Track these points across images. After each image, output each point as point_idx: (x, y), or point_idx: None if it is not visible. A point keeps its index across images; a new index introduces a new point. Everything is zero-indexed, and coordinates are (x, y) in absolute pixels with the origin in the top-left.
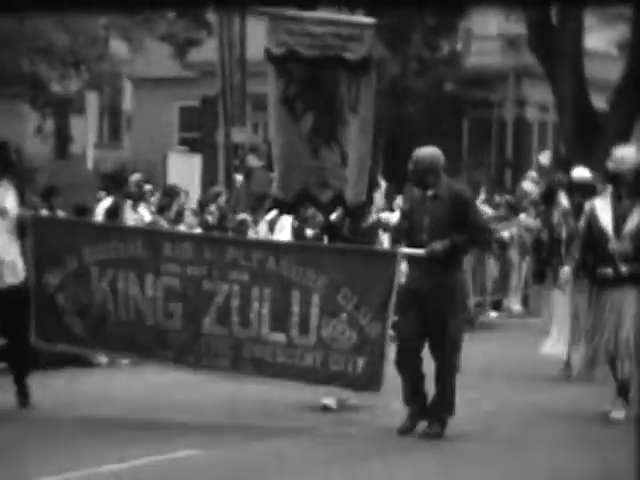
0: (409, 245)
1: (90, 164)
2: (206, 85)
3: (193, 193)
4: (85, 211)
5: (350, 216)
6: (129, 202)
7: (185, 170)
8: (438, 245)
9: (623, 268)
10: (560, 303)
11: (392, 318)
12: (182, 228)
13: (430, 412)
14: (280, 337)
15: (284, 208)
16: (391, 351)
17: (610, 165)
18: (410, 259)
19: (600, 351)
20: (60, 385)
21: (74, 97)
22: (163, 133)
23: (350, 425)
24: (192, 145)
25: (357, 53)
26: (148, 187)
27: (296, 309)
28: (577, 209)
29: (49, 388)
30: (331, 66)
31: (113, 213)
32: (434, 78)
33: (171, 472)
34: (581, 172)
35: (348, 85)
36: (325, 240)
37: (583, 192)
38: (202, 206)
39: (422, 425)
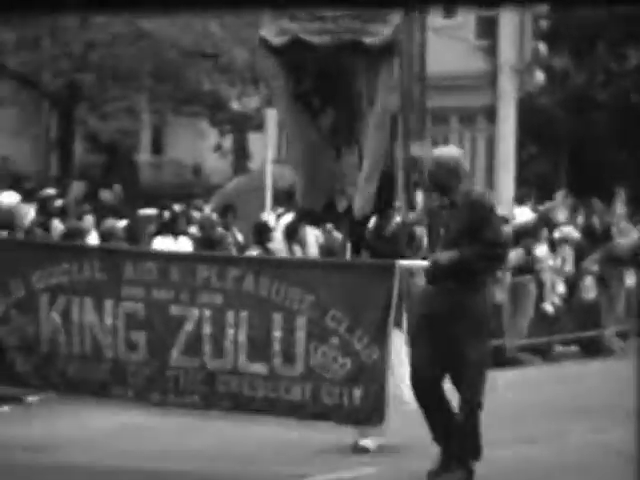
0: (426, 259)
1: (269, 180)
2: None
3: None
4: (265, 229)
5: (354, 233)
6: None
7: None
8: (443, 256)
9: None
10: None
11: (395, 339)
12: None
13: (452, 455)
14: (260, 368)
15: (312, 219)
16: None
17: None
18: (425, 278)
19: None
20: None
21: (253, 114)
22: None
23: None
24: None
25: (380, 36)
26: None
27: (278, 334)
28: None
29: None
30: (347, 54)
31: (293, 230)
32: (620, 89)
33: None
34: None
35: (367, 75)
36: (348, 250)
37: None
38: None
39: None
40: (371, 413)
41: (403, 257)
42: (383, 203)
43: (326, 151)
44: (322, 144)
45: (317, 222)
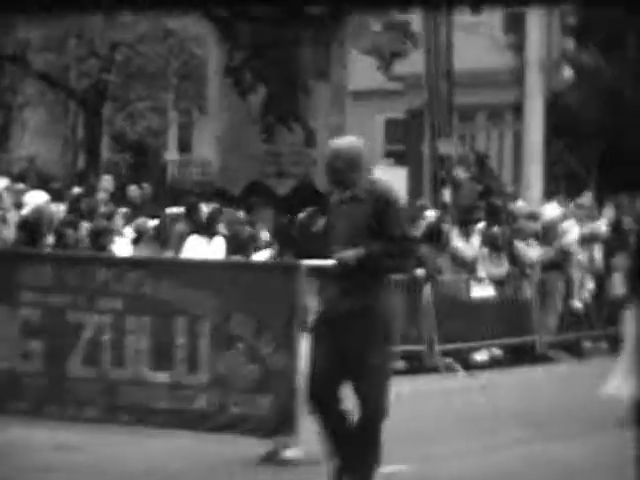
0: (326, 257)
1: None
2: (412, 97)
3: None
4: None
5: (280, 225)
6: None
7: (391, 183)
8: (349, 254)
9: None
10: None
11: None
12: None
13: (349, 465)
14: (164, 377)
15: (229, 202)
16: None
17: None
18: (324, 277)
19: None
20: None
21: None
22: (368, 146)
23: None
24: (397, 157)
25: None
26: None
27: (182, 341)
28: None
29: None
30: (292, 24)
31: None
32: None
33: None
34: None
35: (314, 46)
36: (276, 246)
37: None
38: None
39: None
40: (280, 423)
41: (327, 256)
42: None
43: (254, 133)
44: (250, 125)
45: (233, 205)
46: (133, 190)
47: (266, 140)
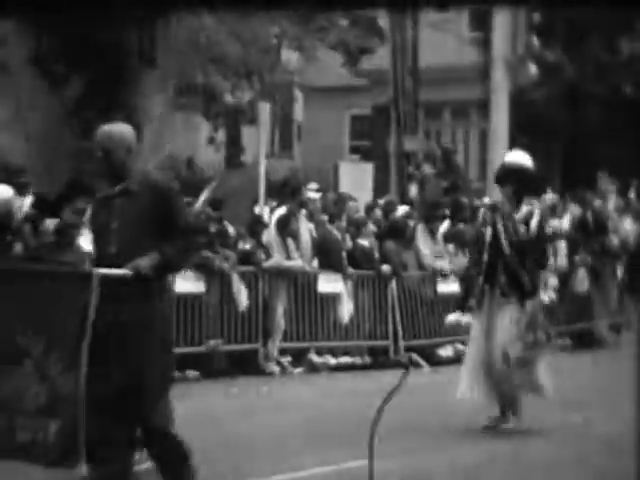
0: (99, 263)
1: (262, 173)
2: (378, 93)
3: (365, 202)
4: (258, 223)
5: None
6: (303, 211)
7: (357, 179)
8: (145, 262)
9: None
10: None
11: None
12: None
13: None
14: None
15: (46, 207)
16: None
17: None
18: (102, 286)
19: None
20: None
21: (246, 107)
22: (334, 142)
23: None
24: (363, 153)
25: None
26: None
27: None
28: None
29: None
30: (116, 9)
31: (285, 223)
32: (613, 82)
33: None
34: None
35: (139, 32)
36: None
37: None
38: (368, 214)
39: None
40: (65, 452)
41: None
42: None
43: (69, 129)
44: (65, 118)
45: (52, 212)
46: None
47: (82, 136)
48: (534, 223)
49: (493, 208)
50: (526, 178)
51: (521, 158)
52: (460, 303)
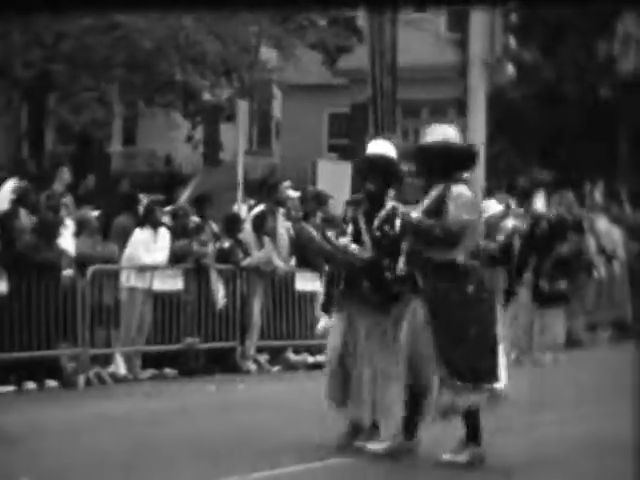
0: None
1: (240, 171)
2: (356, 92)
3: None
4: (235, 221)
5: None
6: (281, 209)
7: (335, 177)
8: None
9: None
10: None
11: None
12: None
13: None
14: None
15: None
16: None
17: None
18: None
19: None
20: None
21: (225, 105)
22: (312, 140)
23: None
24: (341, 152)
25: None
26: (296, 194)
27: None
28: None
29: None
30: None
31: (261, 220)
32: (589, 83)
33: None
34: None
35: None
36: None
37: None
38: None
39: None
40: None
41: None
42: None
43: None
44: None
45: None
46: (86, 182)
47: None
48: (398, 222)
49: (356, 203)
50: (391, 169)
51: (384, 148)
52: (323, 306)
